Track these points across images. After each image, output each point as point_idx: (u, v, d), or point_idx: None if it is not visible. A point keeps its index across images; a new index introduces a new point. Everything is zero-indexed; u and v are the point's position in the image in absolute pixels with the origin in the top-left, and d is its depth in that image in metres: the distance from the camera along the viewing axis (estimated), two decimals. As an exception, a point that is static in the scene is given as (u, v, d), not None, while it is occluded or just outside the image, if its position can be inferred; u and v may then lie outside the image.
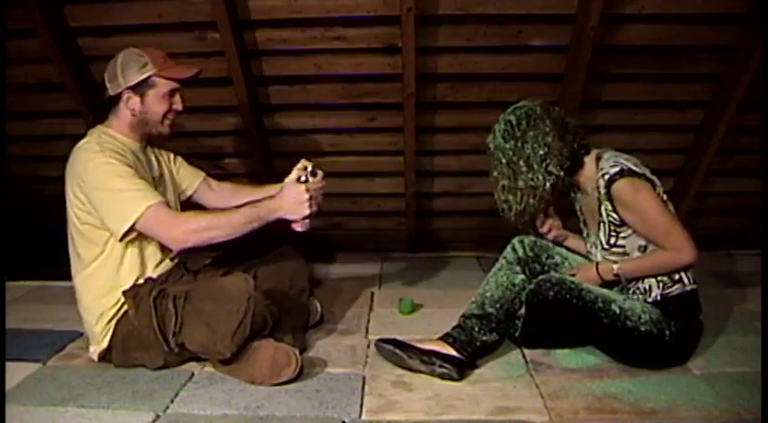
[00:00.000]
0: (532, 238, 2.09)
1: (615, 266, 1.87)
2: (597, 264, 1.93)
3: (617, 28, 2.45)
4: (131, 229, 1.78)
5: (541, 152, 1.81)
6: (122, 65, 1.85)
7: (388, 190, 3.08)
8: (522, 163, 1.83)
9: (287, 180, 1.89)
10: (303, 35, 2.53)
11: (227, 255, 2.16)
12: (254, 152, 2.88)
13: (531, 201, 1.86)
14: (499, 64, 2.60)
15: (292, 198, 1.84)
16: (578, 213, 2.04)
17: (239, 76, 2.57)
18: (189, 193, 2.17)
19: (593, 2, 2.27)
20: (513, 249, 2.06)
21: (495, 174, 1.91)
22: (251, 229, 1.83)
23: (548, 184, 1.84)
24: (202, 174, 2.22)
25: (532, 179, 1.83)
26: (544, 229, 2.09)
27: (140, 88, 1.86)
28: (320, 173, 1.95)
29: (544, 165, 1.82)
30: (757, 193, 2.86)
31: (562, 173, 1.84)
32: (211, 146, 2.95)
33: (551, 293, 1.80)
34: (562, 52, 2.54)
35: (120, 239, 1.81)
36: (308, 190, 1.85)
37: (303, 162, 1.93)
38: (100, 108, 2.79)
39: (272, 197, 1.88)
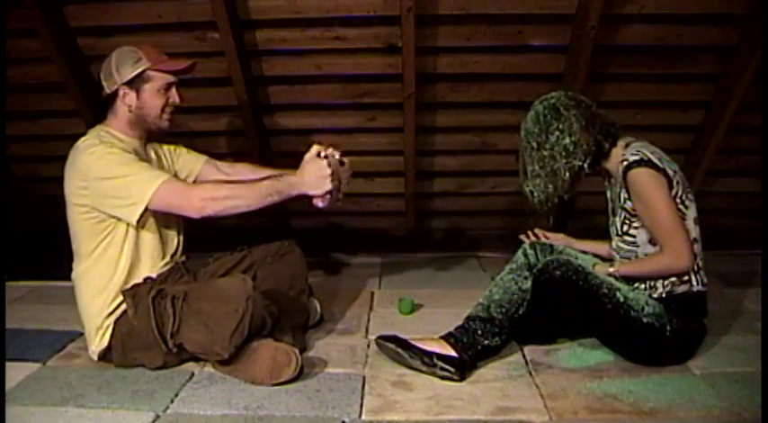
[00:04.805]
0: (542, 241, 2.10)
1: (611, 269, 1.89)
2: (594, 265, 1.94)
3: (617, 28, 2.46)
4: (146, 209, 1.77)
5: (565, 142, 1.85)
6: (116, 62, 1.85)
7: (388, 190, 3.08)
8: (545, 152, 1.88)
9: (307, 156, 1.87)
10: (303, 35, 2.53)
11: (226, 255, 2.15)
12: (254, 152, 2.87)
13: (550, 188, 1.90)
14: (499, 64, 2.61)
15: (313, 172, 1.84)
16: (609, 201, 2.05)
17: (239, 76, 2.57)
18: (191, 179, 2.13)
19: (593, 2, 2.27)
20: (525, 255, 2.05)
21: (522, 159, 1.95)
22: (270, 203, 1.82)
23: (567, 175, 1.87)
24: (204, 157, 2.16)
25: (552, 168, 1.87)
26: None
27: (136, 83, 1.86)
28: (346, 162, 1.93)
29: (565, 154, 1.86)
30: (757, 193, 2.86)
31: (583, 164, 1.87)
32: (211, 146, 2.95)
33: (558, 273, 1.79)
34: (562, 52, 2.54)
35: (137, 222, 1.81)
36: (329, 164, 1.84)
37: (331, 150, 1.91)
38: (100, 108, 2.79)
39: (293, 173, 1.87)
